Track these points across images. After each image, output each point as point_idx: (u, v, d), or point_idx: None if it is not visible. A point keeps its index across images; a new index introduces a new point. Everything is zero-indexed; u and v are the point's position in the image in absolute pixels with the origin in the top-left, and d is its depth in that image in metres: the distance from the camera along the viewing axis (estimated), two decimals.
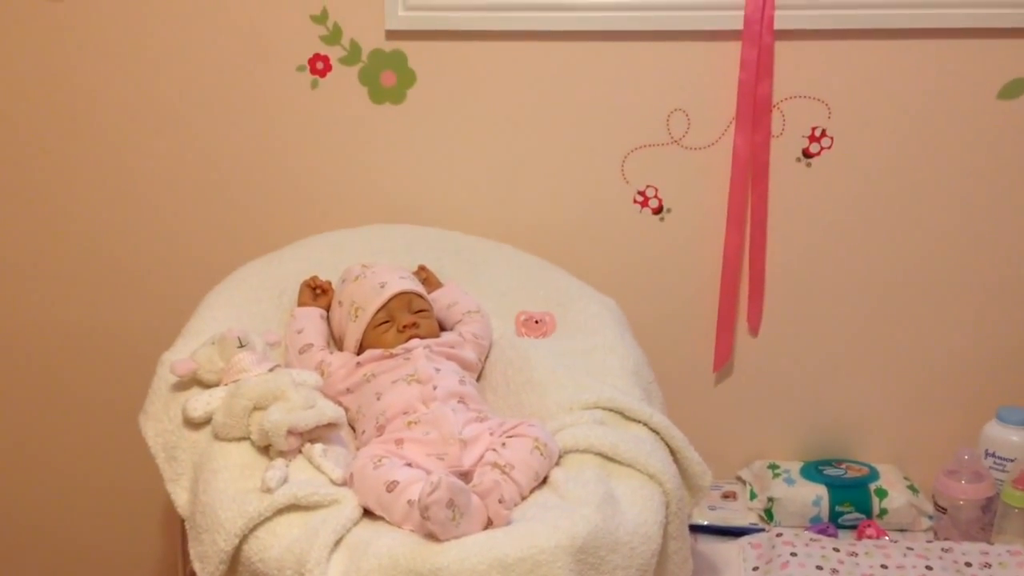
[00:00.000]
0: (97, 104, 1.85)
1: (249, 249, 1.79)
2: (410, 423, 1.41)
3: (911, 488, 1.82)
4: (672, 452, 1.41)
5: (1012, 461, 1.73)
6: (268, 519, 1.26)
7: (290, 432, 1.33)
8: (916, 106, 1.78)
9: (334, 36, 1.80)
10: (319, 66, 1.81)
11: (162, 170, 1.88)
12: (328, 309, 1.66)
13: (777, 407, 1.93)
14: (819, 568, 1.56)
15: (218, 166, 1.88)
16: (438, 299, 1.67)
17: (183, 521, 1.38)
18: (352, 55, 1.80)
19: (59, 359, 1.99)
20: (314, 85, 1.82)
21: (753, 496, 1.85)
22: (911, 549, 1.60)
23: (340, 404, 1.48)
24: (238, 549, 1.26)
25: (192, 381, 1.46)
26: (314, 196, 1.88)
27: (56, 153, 1.89)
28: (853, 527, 1.77)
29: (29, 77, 1.84)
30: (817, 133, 1.80)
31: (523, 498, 1.31)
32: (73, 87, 1.85)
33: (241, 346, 1.44)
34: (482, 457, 1.34)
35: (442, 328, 1.65)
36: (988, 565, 1.57)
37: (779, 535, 1.66)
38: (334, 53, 1.80)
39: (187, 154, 1.87)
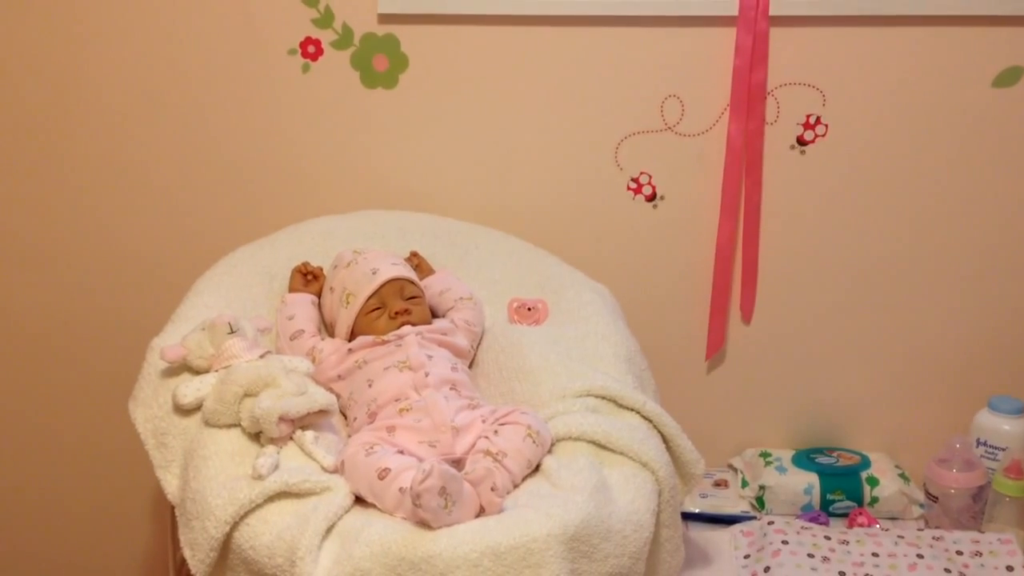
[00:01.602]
0: (84, 88, 1.83)
1: (240, 234, 1.77)
2: (402, 410, 1.40)
3: (902, 476, 1.82)
4: (665, 440, 1.41)
5: (1003, 450, 1.73)
6: (259, 506, 1.25)
7: (281, 419, 1.33)
8: (911, 93, 1.77)
9: (326, 19, 1.78)
10: (311, 50, 1.80)
11: (152, 155, 1.87)
12: (319, 295, 1.65)
13: (769, 395, 1.93)
14: (810, 556, 1.56)
15: (208, 151, 1.86)
16: (430, 286, 1.66)
17: (173, 508, 1.38)
18: (344, 39, 1.79)
19: (48, 344, 1.97)
20: (305, 69, 1.81)
21: (745, 484, 1.85)
22: (902, 537, 1.61)
23: (331, 391, 1.47)
24: (229, 536, 1.25)
25: (182, 367, 1.45)
26: (305, 181, 1.87)
27: (42, 138, 1.86)
28: (844, 515, 1.77)
29: (10, 60, 1.82)
30: (811, 120, 1.80)
31: (515, 486, 1.31)
32: (59, 70, 1.82)
33: (232, 332, 1.43)
34: (474, 445, 1.34)
35: (434, 315, 1.64)
36: (979, 553, 1.57)
37: (770, 523, 1.66)
38: (326, 37, 1.79)
39: (177, 139, 1.85)
